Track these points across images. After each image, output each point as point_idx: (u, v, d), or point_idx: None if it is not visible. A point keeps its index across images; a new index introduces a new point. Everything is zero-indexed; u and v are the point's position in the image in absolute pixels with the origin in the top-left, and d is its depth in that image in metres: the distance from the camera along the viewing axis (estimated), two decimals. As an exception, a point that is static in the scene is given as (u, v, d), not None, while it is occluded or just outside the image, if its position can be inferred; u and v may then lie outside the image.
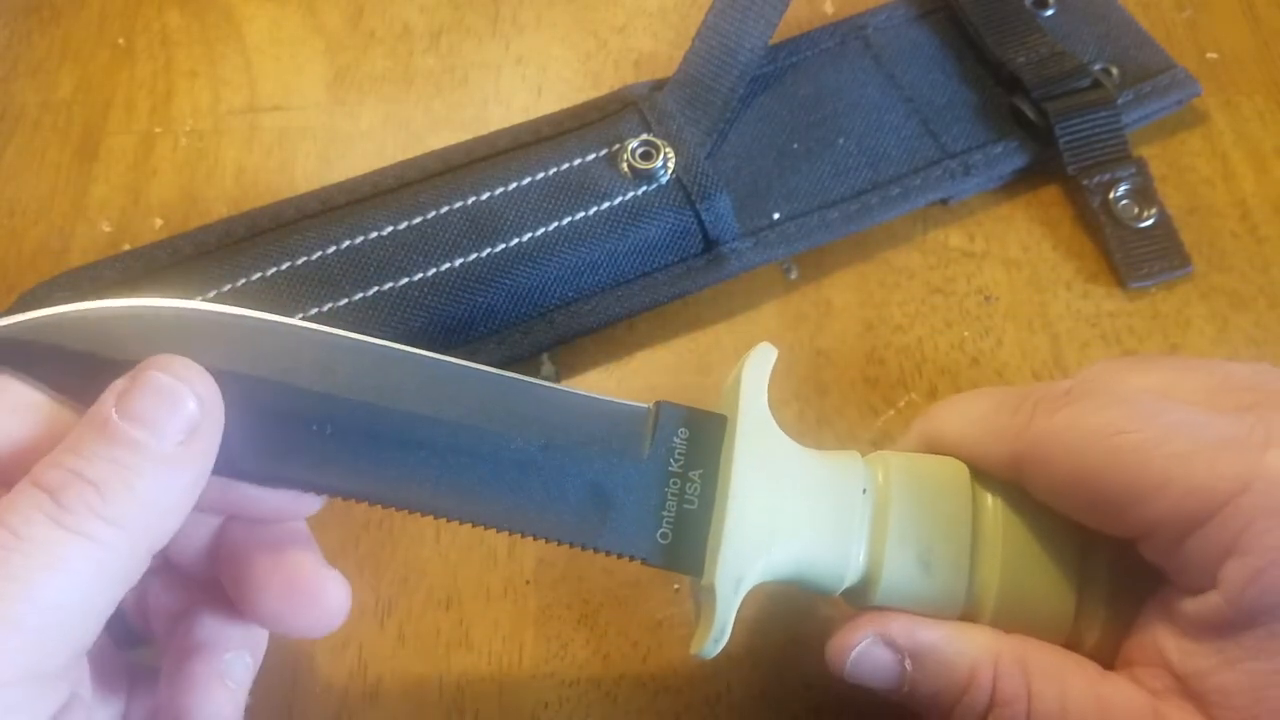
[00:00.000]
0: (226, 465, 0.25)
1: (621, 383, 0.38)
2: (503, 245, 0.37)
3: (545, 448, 0.27)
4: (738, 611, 0.26)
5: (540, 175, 0.38)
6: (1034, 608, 0.27)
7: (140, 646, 0.29)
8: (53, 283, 0.37)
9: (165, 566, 0.28)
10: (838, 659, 0.28)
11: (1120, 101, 0.41)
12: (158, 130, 0.44)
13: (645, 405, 0.28)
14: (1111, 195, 0.40)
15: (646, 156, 0.38)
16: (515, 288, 0.37)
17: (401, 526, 0.35)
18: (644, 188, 0.38)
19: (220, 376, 0.25)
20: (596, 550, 0.27)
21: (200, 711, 0.26)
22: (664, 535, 0.27)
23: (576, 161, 0.39)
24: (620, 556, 0.27)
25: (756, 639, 0.33)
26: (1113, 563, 0.27)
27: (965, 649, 0.27)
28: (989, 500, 0.28)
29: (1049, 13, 0.44)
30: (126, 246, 0.40)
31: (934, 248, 0.41)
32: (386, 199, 0.38)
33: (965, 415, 0.29)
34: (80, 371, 0.25)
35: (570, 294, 0.38)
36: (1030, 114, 0.41)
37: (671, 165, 0.38)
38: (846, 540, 0.27)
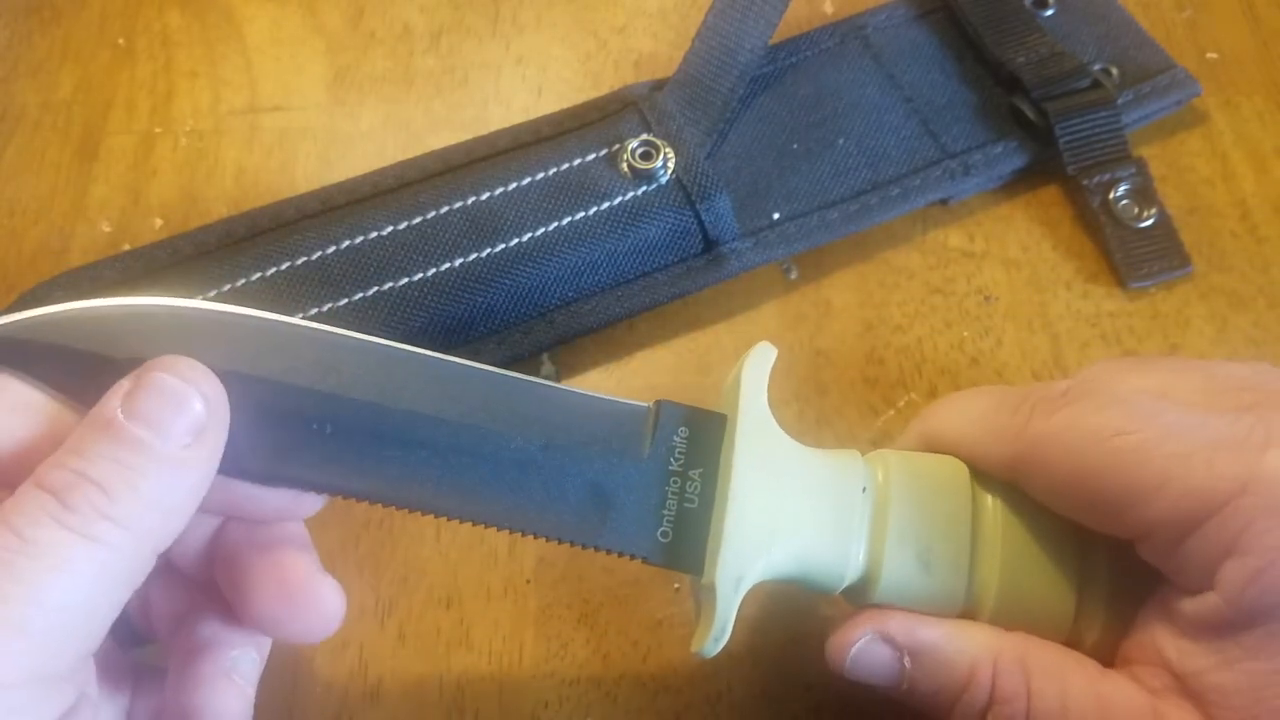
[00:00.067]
0: (227, 464, 0.25)
1: (621, 383, 0.38)
2: (503, 245, 0.37)
3: (546, 447, 0.27)
4: (738, 610, 0.26)
5: (540, 175, 0.38)
6: (1033, 607, 0.27)
7: (144, 646, 0.29)
8: (53, 283, 0.37)
9: (166, 567, 0.28)
10: (837, 656, 0.28)
11: (1120, 101, 0.41)
12: (158, 130, 0.44)
13: (645, 404, 0.28)
14: (1111, 195, 0.40)
15: (646, 156, 0.38)
16: (515, 288, 0.37)
17: (402, 526, 0.35)
18: (644, 188, 0.38)
19: (221, 376, 0.25)
20: (597, 549, 0.27)
21: (209, 709, 0.26)
22: (664, 534, 0.27)
23: (576, 161, 0.39)
24: (621, 555, 0.27)
25: (757, 638, 0.33)
26: (1112, 562, 0.27)
27: (965, 647, 0.27)
28: (988, 499, 0.28)
29: (1049, 13, 0.44)
30: (126, 246, 0.40)
31: (934, 248, 0.41)
32: (387, 199, 0.38)
33: (963, 415, 0.29)
34: (80, 370, 0.25)
35: (570, 294, 0.38)
36: (1030, 114, 0.41)
37: (671, 165, 0.38)
38: (846, 538, 0.27)
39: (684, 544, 0.27)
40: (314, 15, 0.48)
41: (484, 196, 0.38)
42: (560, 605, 0.34)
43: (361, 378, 0.26)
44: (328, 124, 0.44)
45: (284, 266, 0.36)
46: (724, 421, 0.28)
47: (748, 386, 0.28)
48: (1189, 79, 0.43)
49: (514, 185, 0.38)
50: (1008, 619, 0.27)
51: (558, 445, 0.27)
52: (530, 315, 0.38)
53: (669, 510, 0.27)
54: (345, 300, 0.36)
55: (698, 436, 0.28)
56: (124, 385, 0.24)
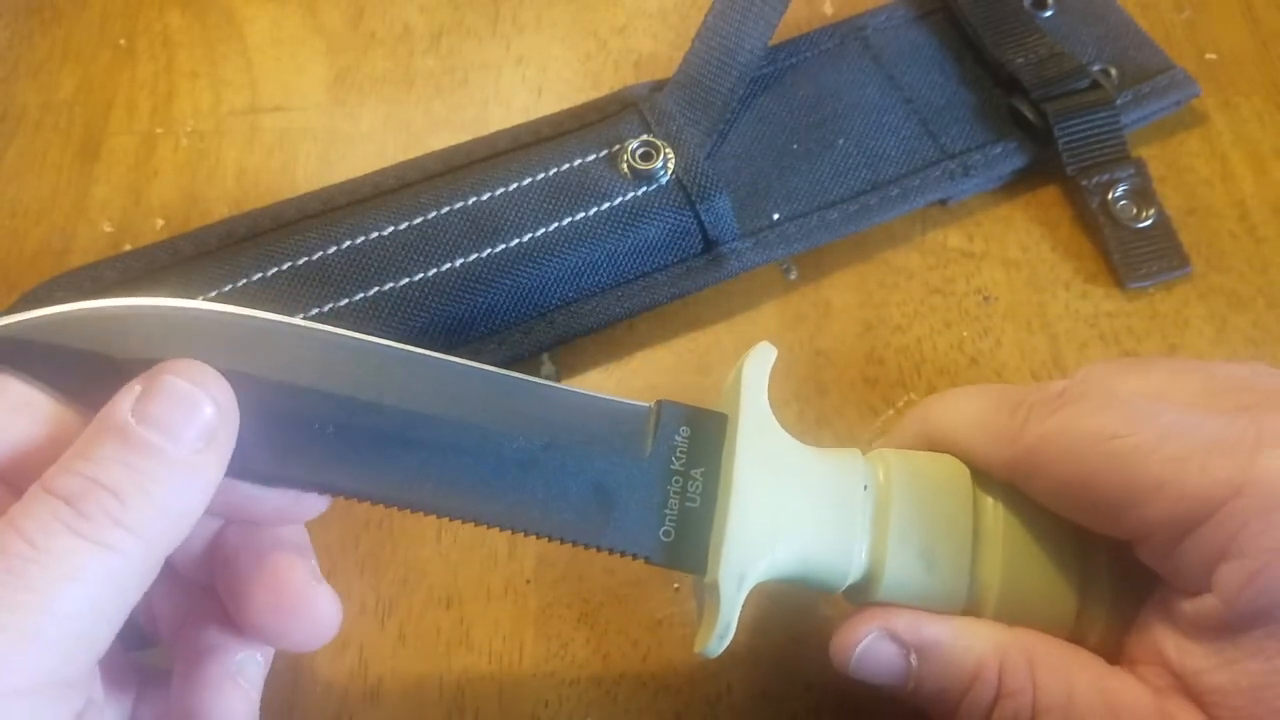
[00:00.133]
0: (230, 465, 0.25)
1: (621, 383, 0.39)
2: (503, 245, 0.37)
3: (547, 446, 0.27)
4: (741, 610, 0.26)
5: (540, 176, 0.38)
6: (1036, 605, 0.27)
7: (148, 648, 0.29)
8: (54, 283, 0.37)
9: (167, 571, 0.28)
10: (842, 655, 0.28)
11: (1119, 102, 0.41)
12: (159, 131, 0.44)
13: (646, 404, 0.29)
14: (1110, 196, 0.40)
15: (646, 157, 0.38)
16: (515, 288, 0.37)
17: (402, 526, 0.35)
18: (644, 188, 0.38)
19: (222, 375, 0.25)
20: (599, 549, 0.27)
21: (214, 713, 0.26)
22: (667, 533, 0.27)
23: (576, 162, 0.39)
24: (623, 555, 0.27)
25: (757, 638, 0.33)
26: (1113, 561, 0.27)
27: (971, 644, 0.27)
28: (989, 498, 0.28)
29: (1048, 14, 0.44)
30: (128, 247, 0.40)
31: (933, 248, 0.41)
32: (387, 199, 0.38)
33: (960, 415, 0.29)
34: (82, 371, 0.25)
35: (570, 294, 0.38)
36: (1029, 115, 0.41)
37: (671, 166, 0.38)
38: (849, 537, 0.28)
39: (686, 543, 0.27)
40: (314, 16, 0.48)
41: (484, 197, 0.38)
42: (560, 605, 0.34)
43: (363, 378, 0.26)
44: (328, 124, 0.45)
45: (285, 267, 0.36)
46: (725, 421, 0.28)
47: (748, 386, 0.28)
48: (1188, 79, 0.43)
49: (514, 186, 0.38)
50: (1010, 617, 0.27)
51: (559, 445, 0.27)
52: (530, 315, 0.38)
53: (671, 509, 0.27)
54: (346, 300, 0.36)
55: (699, 436, 0.28)
56: (135, 389, 0.23)
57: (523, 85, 0.46)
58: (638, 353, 0.39)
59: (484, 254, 0.37)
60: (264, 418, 0.25)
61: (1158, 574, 0.26)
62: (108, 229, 0.42)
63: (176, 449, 0.23)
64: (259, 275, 0.36)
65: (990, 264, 0.41)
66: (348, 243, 0.37)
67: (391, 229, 0.37)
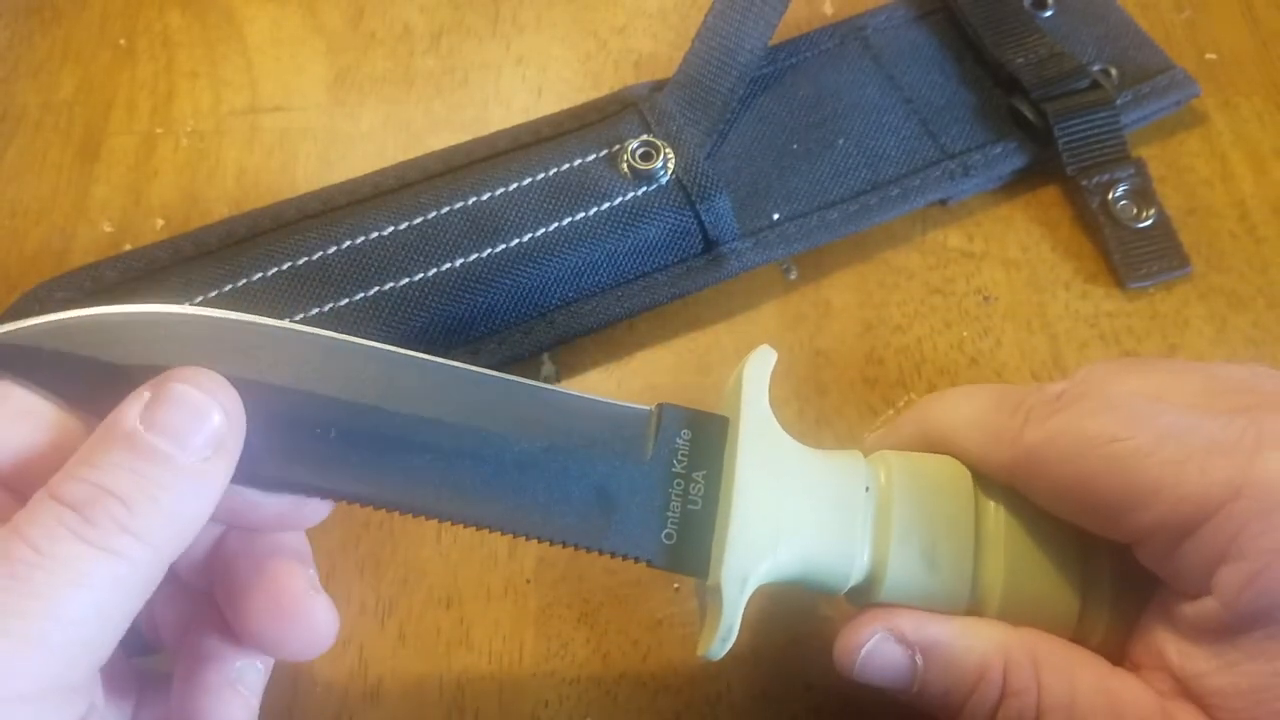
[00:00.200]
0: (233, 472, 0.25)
1: (621, 383, 0.39)
2: (503, 245, 0.37)
3: (548, 450, 0.27)
4: (743, 612, 0.26)
5: (540, 176, 0.38)
6: (1038, 605, 0.27)
7: (150, 654, 0.29)
8: (54, 283, 0.37)
9: (169, 577, 0.28)
10: (846, 658, 0.28)
11: (1119, 102, 0.41)
12: (159, 131, 0.44)
13: (647, 407, 0.29)
14: (1110, 196, 0.40)
15: (646, 157, 0.38)
16: (515, 288, 0.37)
17: (402, 526, 0.36)
18: (644, 188, 0.38)
19: None
20: (601, 552, 0.27)
21: (214, 718, 0.26)
22: (669, 536, 0.27)
23: (576, 162, 0.39)
24: (625, 558, 0.27)
25: (758, 639, 0.33)
26: (1115, 562, 0.27)
27: (975, 643, 0.27)
28: (991, 499, 0.28)
29: (1048, 14, 0.44)
30: (128, 247, 0.40)
31: (933, 248, 0.41)
32: (387, 199, 0.38)
33: (959, 416, 0.29)
34: (84, 378, 0.25)
35: (570, 294, 0.38)
36: (1029, 115, 0.41)
37: (671, 166, 0.38)
38: (851, 538, 0.28)
39: (688, 546, 0.27)
40: (314, 16, 0.48)
41: (484, 197, 0.38)
42: (560, 605, 0.34)
43: (364, 382, 0.26)
44: (328, 124, 0.45)
45: (285, 266, 0.36)
46: (726, 424, 0.28)
47: (749, 389, 0.28)
48: (1188, 79, 0.43)
49: (514, 186, 0.38)
50: (1013, 618, 0.27)
51: (560, 448, 0.27)
52: (530, 315, 0.38)
53: (673, 512, 0.27)
54: (346, 300, 0.36)
55: (700, 439, 0.28)
56: (143, 395, 0.23)
57: (523, 85, 0.46)
58: (638, 353, 0.39)
59: (484, 254, 0.37)
60: (266, 423, 0.25)
61: (1158, 577, 0.26)
62: (108, 229, 0.42)
63: (185, 456, 0.23)
64: (259, 275, 0.36)
65: (990, 264, 0.41)
66: (348, 243, 0.37)
67: (391, 229, 0.37)
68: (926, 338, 0.39)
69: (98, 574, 0.21)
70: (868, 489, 0.28)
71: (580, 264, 0.37)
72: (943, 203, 0.42)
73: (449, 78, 0.46)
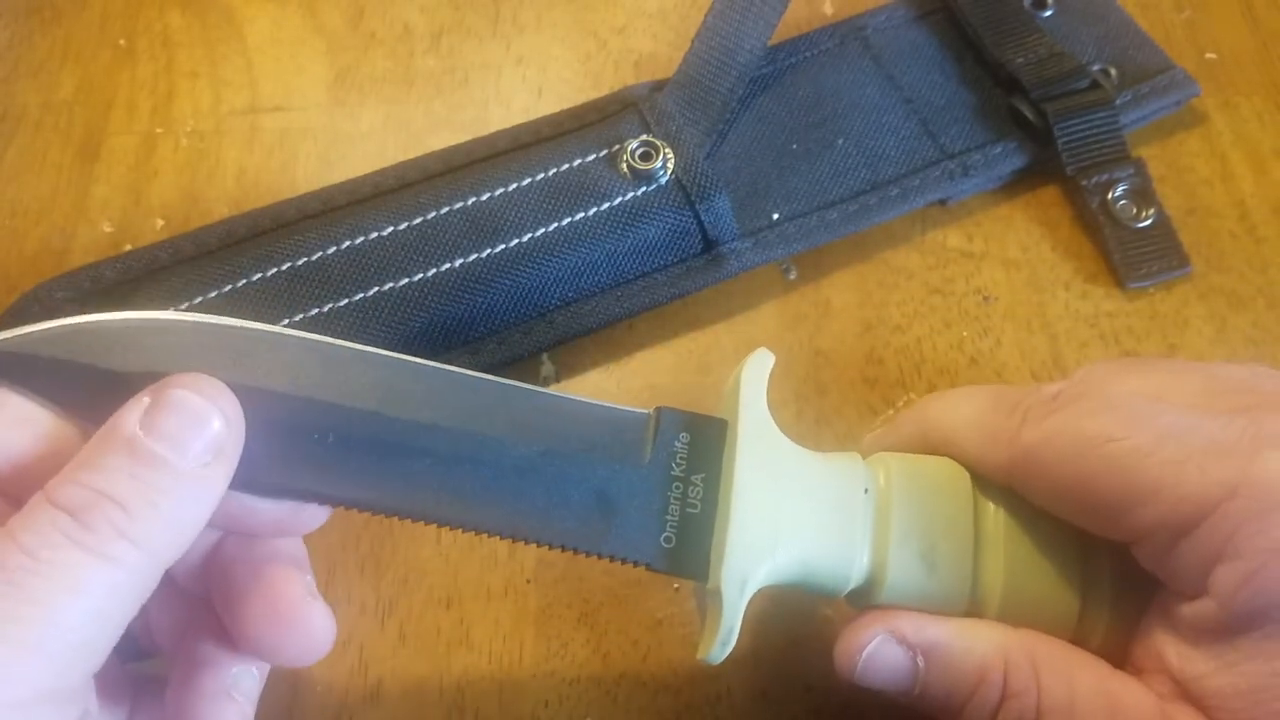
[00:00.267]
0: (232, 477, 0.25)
1: (621, 383, 0.39)
2: (503, 246, 0.37)
3: (546, 454, 0.27)
4: (743, 615, 0.26)
5: (540, 176, 0.38)
6: (1038, 607, 0.27)
7: (145, 660, 0.29)
8: (54, 283, 0.37)
9: (165, 582, 0.28)
10: (847, 661, 0.28)
11: (1119, 102, 0.41)
12: (159, 131, 0.44)
13: (645, 411, 0.28)
14: (1110, 196, 0.40)
15: (646, 157, 0.38)
16: (515, 288, 0.37)
17: (402, 526, 0.36)
18: (643, 188, 0.38)
19: None
20: (600, 556, 0.27)
21: None
22: (668, 540, 0.27)
23: (576, 162, 0.39)
24: (624, 562, 0.27)
25: (758, 640, 0.33)
26: (1115, 563, 0.27)
27: (975, 645, 0.27)
28: (990, 500, 0.28)
29: (1048, 13, 0.44)
30: (128, 247, 0.40)
31: (933, 248, 0.41)
32: (387, 199, 0.38)
33: (957, 416, 0.29)
34: (82, 385, 0.25)
35: (570, 294, 0.38)
36: (1029, 115, 0.41)
37: (671, 166, 0.38)
38: (850, 541, 0.28)
39: (688, 549, 0.27)
40: (314, 16, 0.48)
41: (484, 197, 0.38)
42: (560, 605, 0.34)
43: (361, 387, 0.26)
44: (328, 124, 0.45)
45: (285, 267, 0.36)
46: (724, 427, 0.28)
47: (747, 391, 0.28)
48: (1188, 79, 0.43)
49: (514, 186, 0.38)
50: (1012, 618, 0.27)
51: (559, 453, 0.27)
52: (530, 315, 0.38)
53: (672, 516, 0.27)
54: (346, 300, 0.36)
55: (699, 442, 0.28)
56: (143, 401, 0.23)
57: (523, 85, 0.46)
58: (638, 353, 0.39)
59: (484, 254, 0.37)
60: (263, 429, 0.25)
61: (1157, 577, 0.26)
62: (108, 229, 0.42)
63: (184, 462, 0.23)
64: (259, 275, 0.36)
65: (990, 264, 0.41)
66: (348, 243, 0.37)
67: (391, 229, 0.37)
68: (926, 338, 0.39)
69: (94, 581, 0.21)
70: (867, 491, 0.28)
71: (580, 264, 0.37)
72: (943, 203, 0.42)
73: (449, 78, 0.46)
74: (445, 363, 0.28)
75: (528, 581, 0.35)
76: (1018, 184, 0.42)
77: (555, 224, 0.37)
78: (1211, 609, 0.24)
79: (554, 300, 0.38)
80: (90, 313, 0.26)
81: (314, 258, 0.37)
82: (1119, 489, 0.25)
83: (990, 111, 0.42)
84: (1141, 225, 0.40)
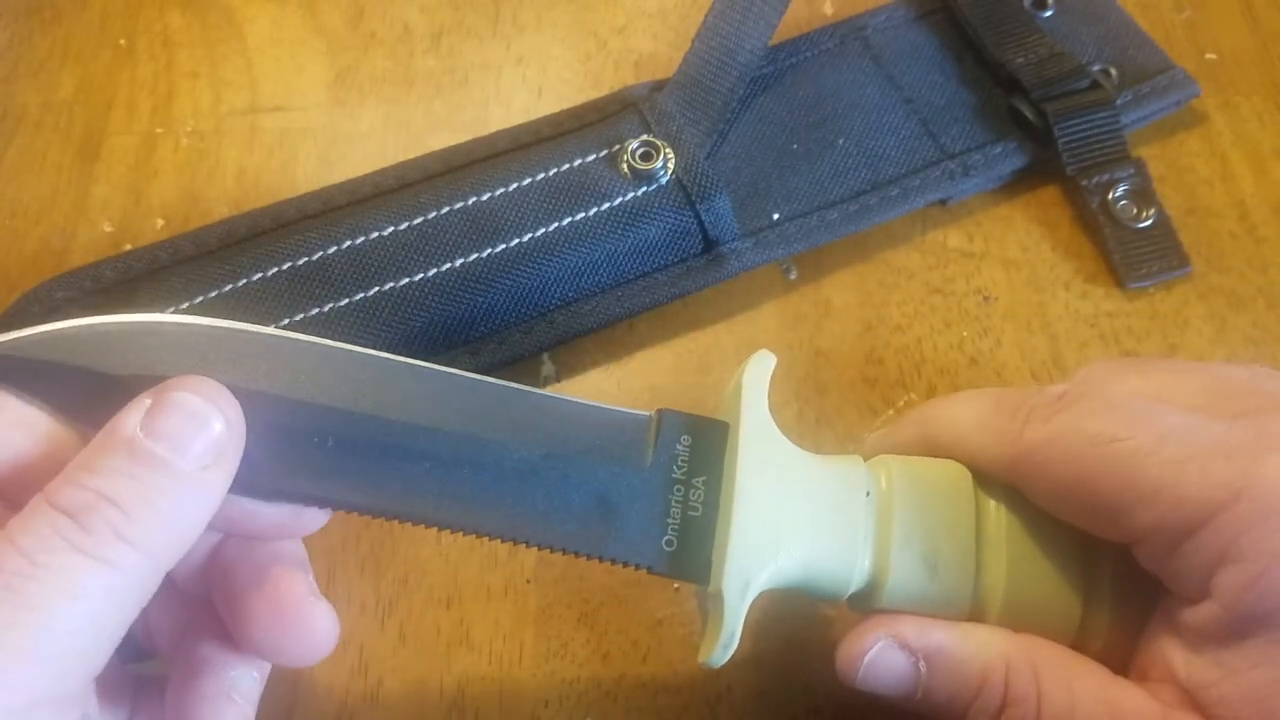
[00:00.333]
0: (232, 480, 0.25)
1: (621, 383, 0.39)
2: (503, 246, 0.37)
3: (547, 457, 0.27)
4: (745, 618, 0.26)
5: (540, 176, 0.38)
6: (1039, 609, 0.27)
7: (145, 661, 0.29)
8: (54, 283, 0.37)
9: (165, 584, 0.28)
10: (849, 666, 0.28)
11: (1119, 102, 0.41)
12: (159, 131, 0.44)
13: (647, 413, 0.28)
14: (1110, 196, 0.40)
15: (646, 157, 0.38)
16: (515, 288, 0.37)
17: (402, 526, 0.35)
18: (644, 188, 0.38)
19: None
20: (602, 559, 0.27)
21: None
22: (669, 542, 0.27)
23: (576, 162, 0.39)
24: (626, 565, 0.27)
25: (758, 640, 0.33)
26: (1117, 566, 0.27)
27: (976, 650, 0.27)
28: (991, 502, 0.28)
29: (1048, 14, 0.44)
30: (128, 247, 0.40)
31: (933, 248, 0.41)
32: (387, 199, 0.38)
33: (961, 417, 0.29)
34: (81, 388, 0.25)
35: (570, 294, 0.38)
36: (1029, 115, 0.41)
37: (671, 166, 0.38)
38: (852, 543, 0.27)
39: (689, 553, 0.27)
40: (314, 16, 0.48)
41: (484, 197, 0.38)
42: (560, 605, 0.34)
43: (362, 390, 0.26)
44: (328, 124, 0.45)
45: (285, 267, 0.36)
46: (726, 429, 0.28)
47: (749, 393, 0.28)
48: (1188, 79, 0.43)
49: (514, 186, 0.38)
50: (1014, 622, 0.27)
51: (559, 455, 0.27)
52: (530, 315, 0.38)
53: (673, 519, 0.27)
54: (346, 300, 0.36)
55: (700, 444, 0.28)
56: (144, 403, 0.23)
57: (523, 85, 0.46)
58: (638, 353, 0.39)
59: (484, 254, 0.37)
60: (263, 432, 0.25)
61: (1159, 580, 0.26)
62: (108, 229, 0.42)
63: (184, 463, 0.23)
64: (259, 275, 0.36)
65: (990, 264, 0.41)
66: (348, 243, 0.37)
67: (391, 229, 0.37)
68: (926, 338, 0.39)
69: (93, 584, 0.21)
70: (868, 494, 0.28)
71: (580, 264, 0.37)
72: (943, 203, 0.42)
73: (449, 78, 0.46)
74: (445, 363, 0.28)
75: (528, 581, 0.35)
76: (1018, 184, 0.42)
77: (555, 224, 0.37)
78: (1215, 612, 0.24)
79: (554, 300, 0.38)
80: (90, 313, 0.26)
81: (314, 258, 0.37)
82: (1120, 489, 0.25)
83: (990, 111, 0.42)
84: (1141, 225, 0.40)
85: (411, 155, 0.40)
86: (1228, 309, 0.39)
